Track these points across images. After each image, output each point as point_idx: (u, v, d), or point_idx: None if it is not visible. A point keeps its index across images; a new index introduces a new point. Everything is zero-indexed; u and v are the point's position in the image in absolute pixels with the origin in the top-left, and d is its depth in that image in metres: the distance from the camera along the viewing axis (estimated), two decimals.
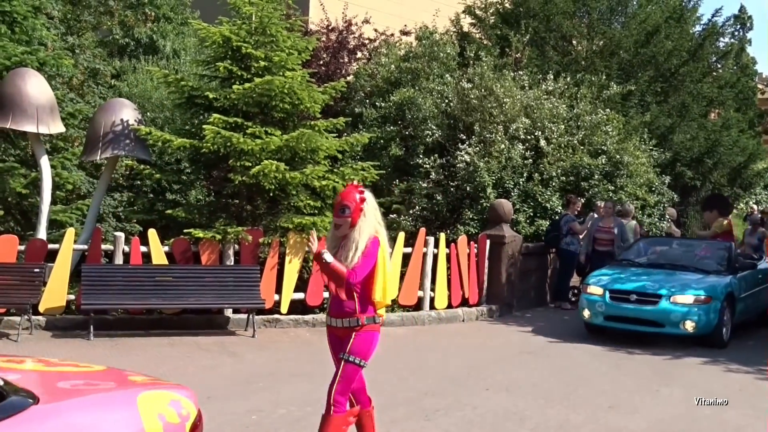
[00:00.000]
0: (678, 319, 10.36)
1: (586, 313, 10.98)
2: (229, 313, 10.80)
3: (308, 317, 11.04)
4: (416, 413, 7.09)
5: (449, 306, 12.28)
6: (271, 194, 11.36)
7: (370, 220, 5.07)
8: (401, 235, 12.02)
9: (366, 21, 17.09)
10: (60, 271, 10.03)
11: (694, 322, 10.32)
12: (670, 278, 10.94)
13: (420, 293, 12.04)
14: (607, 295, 10.80)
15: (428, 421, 6.89)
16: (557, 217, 13.73)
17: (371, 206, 5.11)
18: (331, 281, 5.12)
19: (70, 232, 10.33)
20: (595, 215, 13.37)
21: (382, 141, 14.88)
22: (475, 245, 12.78)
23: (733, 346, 10.82)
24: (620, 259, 12.13)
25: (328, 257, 5.00)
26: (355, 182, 5.22)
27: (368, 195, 5.14)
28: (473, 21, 19.40)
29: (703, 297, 10.46)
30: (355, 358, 5.15)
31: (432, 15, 17.71)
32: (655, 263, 11.69)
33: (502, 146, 14.10)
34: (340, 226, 5.07)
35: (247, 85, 11.14)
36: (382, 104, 15.38)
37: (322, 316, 11.10)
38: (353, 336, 5.14)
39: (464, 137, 14.51)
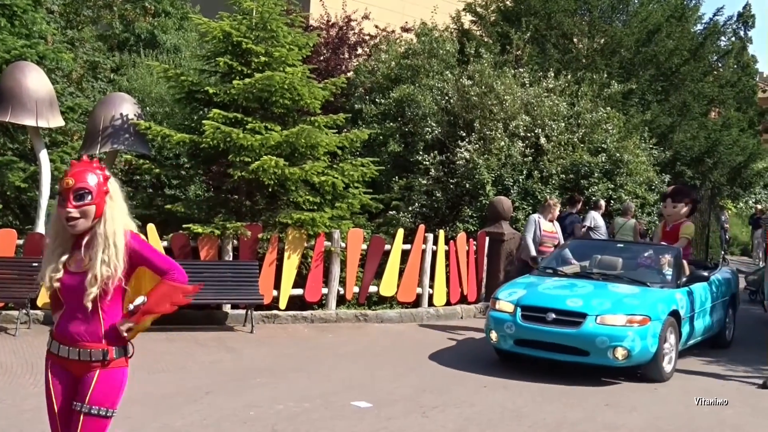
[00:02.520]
0: (605, 345, 8.19)
1: (493, 335, 8.85)
2: (227, 308, 10.79)
3: (307, 313, 11.02)
4: (414, 410, 7.09)
5: (448, 303, 12.28)
6: (271, 190, 11.35)
7: (121, 205, 3.75)
8: (400, 232, 12.02)
9: (365, 17, 17.08)
10: None
11: (626, 350, 8.17)
12: (599, 292, 8.78)
13: (419, 290, 12.03)
14: (519, 312, 8.66)
15: (426, 418, 6.88)
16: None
17: (117, 188, 3.77)
18: (159, 311, 3.69)
19: None
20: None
21: (381, 137, 14.87)
22: (474, 242, 12.77)
23: (733, 344, 10.79)
24: (543, 267, 10.00)
25: (138, 301, 3.69)
26: (104, 162, 3.62)
27: (110, 174, 3.77)
28: (473, 18, 19.39)
29: (638, 317, 8.31)
30: (100, 408, 3.64)
31: (432, 12, 17.69)
32: (584, 273, 9.62)
33: (502, 143, 14.09)
34: (77, 219, 3.60)
35: (247, 80, 11.12)
36: (382, 101, 15.37)
37: (320, 312, 11.10)
38: (96, 376, 3.64)
39: (464, 134, 14.49)
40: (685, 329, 9.10)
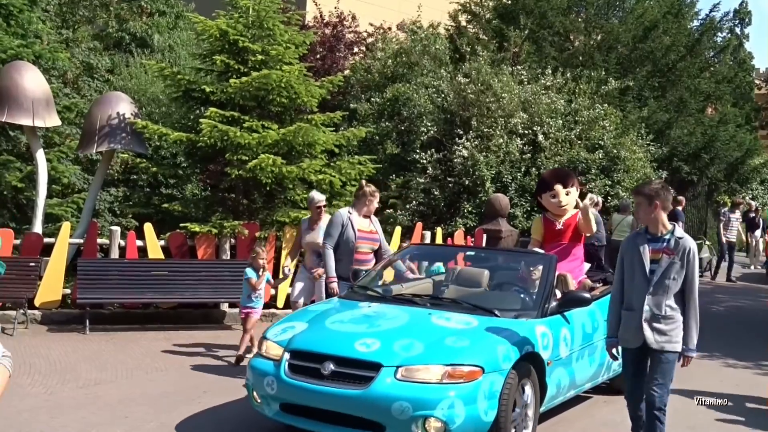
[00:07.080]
0: (407, 415, 5.17)
1: (256, 395, 5.90)
2: (225, 307, 10.78)
3: None
4: None
5: None
6: (268, 188, 11.35)
7: None
8: (398, 230, 12.02)
9: (353, 17, 17.14)
10: (56, 265, 10.00)
11: (441, 422, 5.17)
12: (413, 327, 5.74)
13: None
14: (285, 361, 5.69)
15: None
16: None
17: None
18: None
19: (65, 226, 10.29)
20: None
21: (377, 137, 14.87)
22: (472, 239, 12.77)
23: (730, 339, 10.78)
24: (360, 286, 6.92)
25: None
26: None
27: None
28: (469, 18, 19.40)
29: (464, 368, 5.32)
30: None
31: (429, 9, 17.71)
32: (408, 294, 6.71)
33: (500, 141, 14.11)
34: None
35: (244, 78, 11.11)
36: (378, 99, 15.37)
37: None
38: None
39: (461, 132, 14.50)
40: (555, 378, 6.10)
